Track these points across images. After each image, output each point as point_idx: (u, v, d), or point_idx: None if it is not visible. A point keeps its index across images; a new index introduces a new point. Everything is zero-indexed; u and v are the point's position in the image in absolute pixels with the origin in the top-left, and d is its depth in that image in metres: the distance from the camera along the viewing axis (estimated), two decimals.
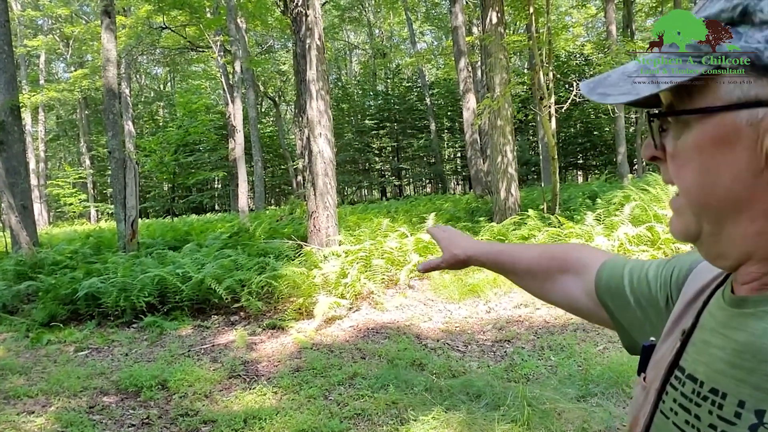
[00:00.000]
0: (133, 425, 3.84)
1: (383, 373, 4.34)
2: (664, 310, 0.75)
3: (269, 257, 7.12)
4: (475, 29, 19.54)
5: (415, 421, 3.52)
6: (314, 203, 7.06)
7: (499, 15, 9.30)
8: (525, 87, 14.52)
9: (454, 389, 3.96)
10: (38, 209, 26.70)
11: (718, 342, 0.55)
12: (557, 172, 9.87)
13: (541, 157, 21.00)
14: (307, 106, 6.95)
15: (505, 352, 4.88)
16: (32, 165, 27.84)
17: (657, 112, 0.56)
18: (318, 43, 6.99)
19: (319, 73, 6.95)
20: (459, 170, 30.93)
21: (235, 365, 4.83)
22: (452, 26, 16.11)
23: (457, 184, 33.42)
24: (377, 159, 31.45)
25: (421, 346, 5.07)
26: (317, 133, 6.92)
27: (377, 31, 35.86)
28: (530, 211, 8.62)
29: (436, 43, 36.15)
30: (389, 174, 31.21)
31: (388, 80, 33.45)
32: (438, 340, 5.23)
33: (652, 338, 0.71)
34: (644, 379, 0.68)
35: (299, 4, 7.01)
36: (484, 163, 16.11)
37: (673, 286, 0.74)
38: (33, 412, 4.02)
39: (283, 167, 29.46)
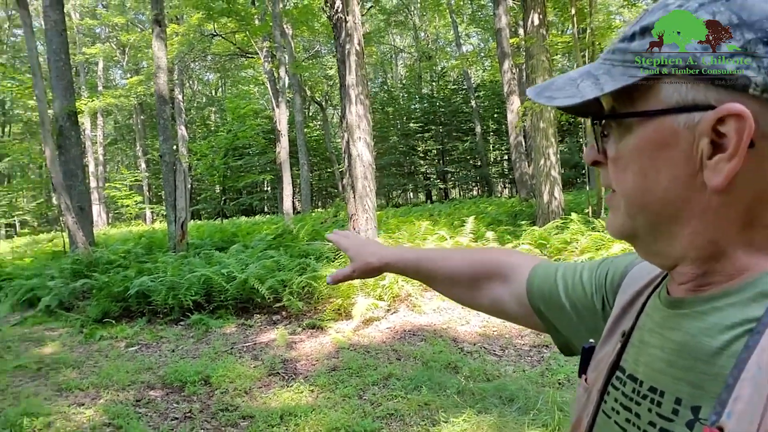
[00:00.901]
0: (176, 418, 4.00)
1: (417, 374, 4.39)
2: (600, 313, 0.76)
3: (310, 258, 7.26)
4: (521, 31, 19.32)
5: (446, 422, 3.55)
6: (354, 206, 7.17)
7: (541, 17, 9.22)
8: None
9: (486, 392, 3.97)
10: (97, 210, 27.84)
11: (656, 342, 0.57)
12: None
13: None
14: (347, 110, 7.07)
15: (542, 356, 4.84)
16: (91, 168, 29.09)
17: (600, 115, 0.58)
18: (357, 48, 7.10)
19: (358, 78, 7.06)
20: (506, 173, 30.58)
21: (275, 363, 4.96)
22: (496, 28, 16.01)
23: (504, 187, 33.04)
24: (422, 162, 31.40)
25: (457, 349, 5.08)
26: (356, 137, 7.02)
27: (423, 34, 35.86)
28: (573, 215, 8.49)
29: (482, 45, 35.88)
30: (434, 177, 31.11)
31: (434, 83, 33.38)
32: (474, 344, 5.24)
33: (591, 340, 0.73)
34: (585, 380, 0.70)
35: (339, 10, 7.14)
36: (529, 165, 15.93)
37: (609, 289, 0.75)
38: (83, 404, 4.24)
39: (329, 170, 29.79)
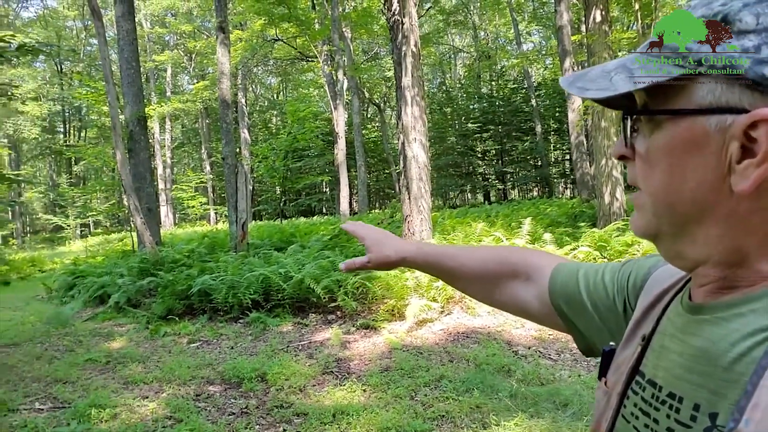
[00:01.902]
0: (233, 413, 4.12)
1: (470, 376, 4.36)
2: (622, 316, 0.75)
3: None
4: (583, 27, 18.82)
5: (497, 426, 3.51)
6: (408, 207, 7.18)
7: (603, 13, 8.96)
8: None
9: (540, 397, 3.90)
10: (165, 211, 29.01)
11: (676, 347, 0.57)
12: None
13: None
14: (402, 112, 7.10)
15: (599, 361, 4.71)
16: (160, 170, 30.34)
17: (632, 110, 0.57)
18: (414, 49, 7.12)
19: (414, 80, 7.08)
20: (567, 173, 29.82)
21: (329, 362, 5.04)
22: (557, 26, 15.62)
23: (566, 187, 32.25)
24: (480, 162, 31.07)
25: (511, 353, 5.02)
26: (411, 138, 7.04)
27: (482, 33, 35.50)
28: None
29: (544, 42, 35.16)
30: (493, 177, 30.70)
31: (493, 82, 32.96)
32: (529, 348, 5.15)
33: (612, 343, 0.72)
34: (605, 383, 0.69)
35: (396, 13, 7.18)
36: (590, 166, 15.49)
37: (631, 291, 0.75)
38: (147, 397, 4.44)
39: (387, 171, 29.95)
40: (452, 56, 40.93)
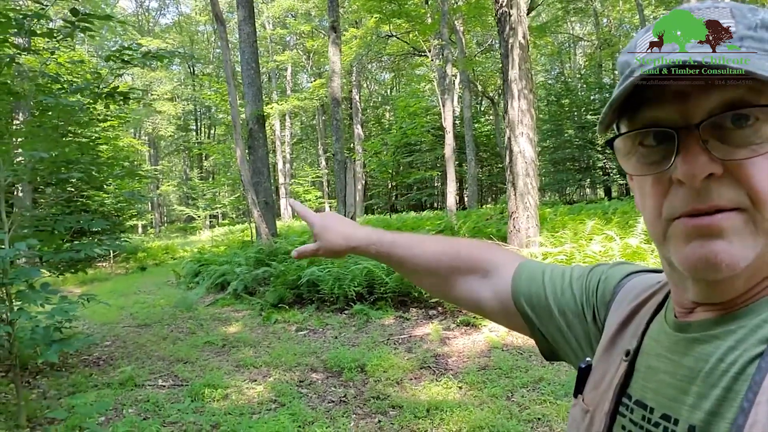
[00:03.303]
0: (333, 401, 4.28)
1: (570, 380, 4.20)
2: (591, 325, 0.72)
3: None
4: None
5: None
6: (514, 204, 7.02)
7: None
8: None
9: None
10: (284, 204, 30.44)
11: (666, 367, 0.55)
12: None
13: None
14: (509, 105, 6.94)
15: None
16: (280, 165, 31.88)
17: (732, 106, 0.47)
18: (521, 41, 6.92)
19: (521, 72, 6.89)
20: None
21: (427, 357, 5.07)
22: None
23: None
24: (601, 156, 29.55)
25: None
26: (518, 133, 6.86)
27: (605, 20, 33.72)
28: None
29: None
30: (614, 172, 29.09)
31: (615, 71, 31.20)
32: None
33: (588, 359, 0.69)
34: (583, 400, 0.66)
35: (503, 5, 7.02)
36: None
37: (600, 302, 0.71)
38: (255, 381, 4.72)
39: (499, 166, 29.38)
40: (572, 45, 39.28)
